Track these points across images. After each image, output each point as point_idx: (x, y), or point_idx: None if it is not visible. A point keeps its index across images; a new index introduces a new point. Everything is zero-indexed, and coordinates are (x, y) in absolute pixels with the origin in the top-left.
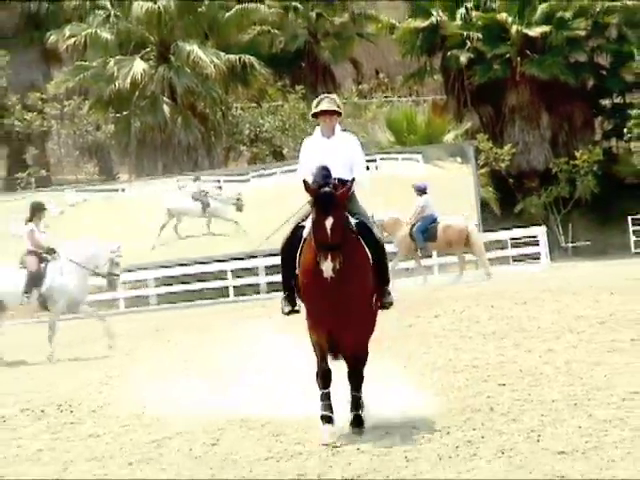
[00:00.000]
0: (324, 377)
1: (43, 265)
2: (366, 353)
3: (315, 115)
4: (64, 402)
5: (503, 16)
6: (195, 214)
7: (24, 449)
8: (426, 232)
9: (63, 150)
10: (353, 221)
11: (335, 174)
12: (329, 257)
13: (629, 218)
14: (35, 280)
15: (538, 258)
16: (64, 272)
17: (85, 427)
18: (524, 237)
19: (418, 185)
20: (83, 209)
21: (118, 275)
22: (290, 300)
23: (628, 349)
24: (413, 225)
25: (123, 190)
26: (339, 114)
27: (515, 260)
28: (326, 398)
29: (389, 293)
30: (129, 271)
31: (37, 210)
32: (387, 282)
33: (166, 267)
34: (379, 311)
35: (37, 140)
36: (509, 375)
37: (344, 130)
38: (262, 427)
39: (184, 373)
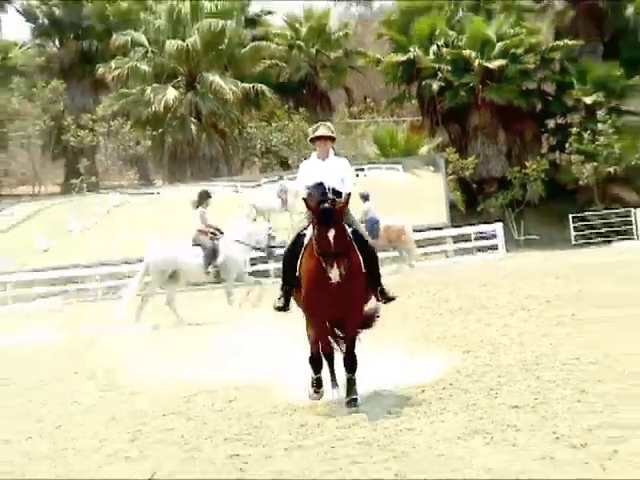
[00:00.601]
0: (316, 363)
1: (216, 242)
2: (356, 338)
3: (312, 140)
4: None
5: (467, 52)
6: (278, 210)
7: (80, 404)
8: (370, 232)
9: (109, 161)
10: (349, 230)
11: (336, 183)
12: (335, 264)
13: (570, 216)
14: (211, 255)
15: (496, 249)
16: (233, 248)
17: (129, 387)
18: (485, 232)
19: (362, 193)
20: (125, 208)
21: (275, 247)
22: (285, 299)
23: (569, 323)
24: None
25: (158, 193)
26: (333, 139)
27: (478, 250)
28: (318, 383)
29: (385, 290)
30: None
31: (204, 197)
32: (380, 281)
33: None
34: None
35: (88, 153)
36: (472, 344)
37: (336, 154)
38: (270, 389)
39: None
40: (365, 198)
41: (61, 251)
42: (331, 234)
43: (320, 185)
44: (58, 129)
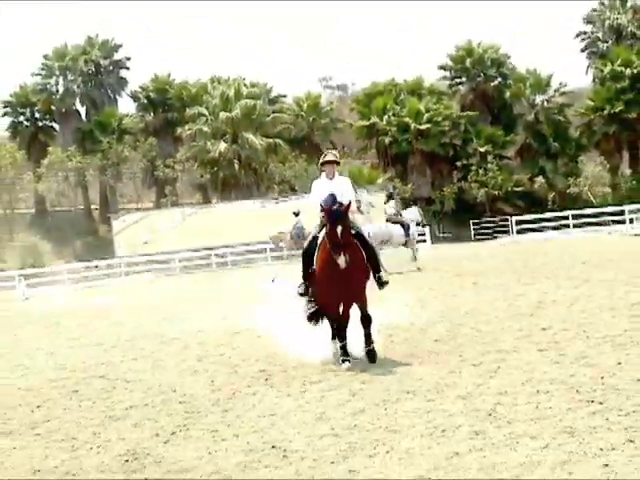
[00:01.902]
0: (340, 335)
1: (405, 223)
2: (367, 304)
3: (322, 164)
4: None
5: (407, 119)
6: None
7: (164, 337)
8: (300, 236)
9: (183, 187)
10: (353, 231)
11: (341, 198)
12: (341, 253)
13: (470, 222)
14: (407, 228)
15: (425, 242)
16: (411, 226)
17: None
18: (418, 231)
19: (294, 212)
20: (194, 217)
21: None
22: (305, 287)
23: (470, 287)
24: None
25: (214, 207)
26: (338, 163)
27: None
28: (344, 352)
29: (382, 276)
30: None
31: (391, 196)
32: (379, 270)
33: None
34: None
35: (171, 182)
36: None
37: (340, 174)
38: (260, 336)
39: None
40: (296, 215)
41: (155, 244)
42: (339, 229)
43: (332, 195)
44: (152, 168)
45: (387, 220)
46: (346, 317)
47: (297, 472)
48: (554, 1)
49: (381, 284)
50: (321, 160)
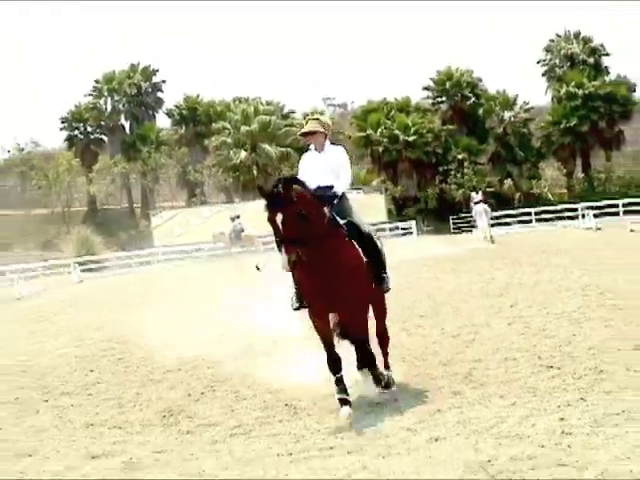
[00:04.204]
0: (330, 364)
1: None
2: (364, 328)
3: (303, 135)
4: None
5: (397, 132)
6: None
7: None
8: (238, 237)
9: (210, 190)
10: (342, 222)
11: (324, 182)
12: (283, 250)
13: (450, 217)
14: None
15: (412, 234)
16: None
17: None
18: (406, 225)
19: (236, 214)
20: (219, 214)
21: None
22: (298, 299)
23: (450, 272)
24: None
25: (236, 206)
26: (323, 133)
27: (402, 235)
28: (339, 383)
29: (385, 279)
30: None
31: (472, 199)
32: (383, 270)
33: None
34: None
35: (200, 185)
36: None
37: (333, 143)
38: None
39: None
40: (237, 217)
41: (187, 236)
42: (279, 218)
43: (280, 179)
44: (184, 173)
45: None
46: (330, 334)
47: (305, 425)
48: (520, 34)
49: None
50: (300, 131)
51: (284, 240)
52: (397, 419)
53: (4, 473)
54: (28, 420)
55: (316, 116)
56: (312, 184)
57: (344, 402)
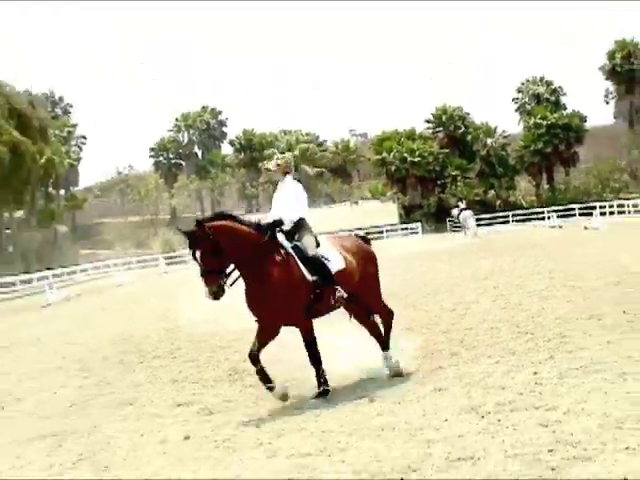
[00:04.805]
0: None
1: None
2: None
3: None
4: None
5: (405, 155)
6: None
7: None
8: None
9: (262, 201)
10: (289, 245)
11: (280, 210)
12: (204, 282)
13: (447, 220)
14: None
15: (417, 234)
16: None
17: None
18: (414, 227)
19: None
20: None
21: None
22: None
23: (446, 261)
24: None
25: None
26: (281, 170)
27: (410, 234)
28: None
29: (336, 291)
30: None
31: (457, 206)
32: (332, 283)
33: None
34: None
35: (256, 198)
36: (416, 274)
37: (295, 179)
38: None
39: None
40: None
41: None
42: (198, 254)
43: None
44: (243, 188)
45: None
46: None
47: (341, 382)
48: (498, 78)
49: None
50: (264, 167)
51: (203, 273)
52: (408, 374)
53: (112, 416)
54: (129, 377)
55: (275, 157)
56: (273, 211)
57: (270, 389)
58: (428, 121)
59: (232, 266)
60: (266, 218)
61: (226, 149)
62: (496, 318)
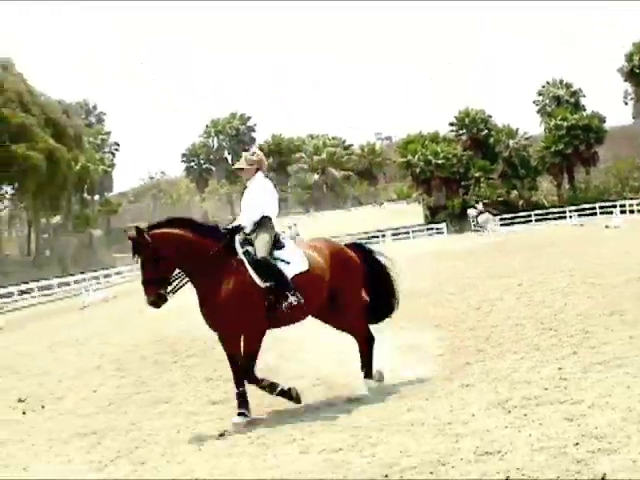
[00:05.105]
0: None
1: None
2: (248, 354)
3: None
4: None
5: (430, 157)
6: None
7: None
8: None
9: (291, 204)
10: (241, 250)
11: (243, 212)
12: (144, 291)
13: (470, 219)
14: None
15: (443, 233)
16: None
17: None
18: (439, 227)
19: (293, 223)
20: (310, 219)
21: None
22: None
23: (470, 260)
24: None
25: (315, 215)
26: (250, 169)
27: (436, 234)
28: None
29: (287, 297)
30: None
31: (477, 209)
32: (285, 289)
33: None
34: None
35: (285, 200)
36: (443, 271)
37: (266, 176)
38: None
39: None
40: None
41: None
42: (140, 261)
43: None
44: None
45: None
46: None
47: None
48: (520, 80)
49: (284, 304)
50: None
51: (142, 282)
52: (436, 370)
53: (149, 414)
54: (164, 376)
55: (246, 155)
56: (241, 213)
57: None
58: (451, 124)
59: (176, 273)
60: (235, 221)
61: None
62: (520, 315)
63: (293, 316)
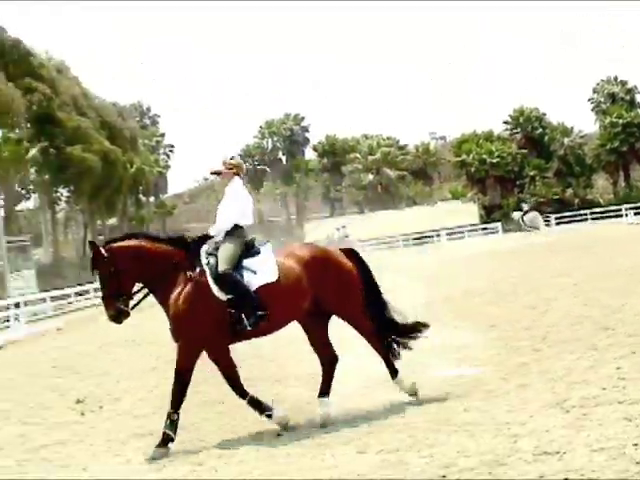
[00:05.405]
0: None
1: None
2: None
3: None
4: None
5: (484, 156)
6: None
7: None
8: (341, 243)
9: (346, 204)
10: (205, 261)
11: (218, 217)
12: (104, 306)
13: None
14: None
15: (497, 233)
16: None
17: None
18: (493, 226)
19: (342, 224)
20: (355, 222)
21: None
22: None
23: (524, 259)
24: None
25: (371, 215)
26: (228, 172)
27: (490, 233)
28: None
29: (244, 319)
30: None
31: (522, 210)
32: (242, 307)
33: None
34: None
35: (339, 200)
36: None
37: (242, 182)
38: None
39: None
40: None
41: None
42: (97, 276)
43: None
44: (327, 192)
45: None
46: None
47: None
48: (575, 79)
49: (250, 317)
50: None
51: (102, 298)
52: (494, 370)
53: (206, 414)
54: (218, 376)
55: (222, 158)
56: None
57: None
58: (506, 122)
59: (137, 288)
60: (209, 230)
61: (309, 154)
62: (577, 314)
63: (259, 329)
